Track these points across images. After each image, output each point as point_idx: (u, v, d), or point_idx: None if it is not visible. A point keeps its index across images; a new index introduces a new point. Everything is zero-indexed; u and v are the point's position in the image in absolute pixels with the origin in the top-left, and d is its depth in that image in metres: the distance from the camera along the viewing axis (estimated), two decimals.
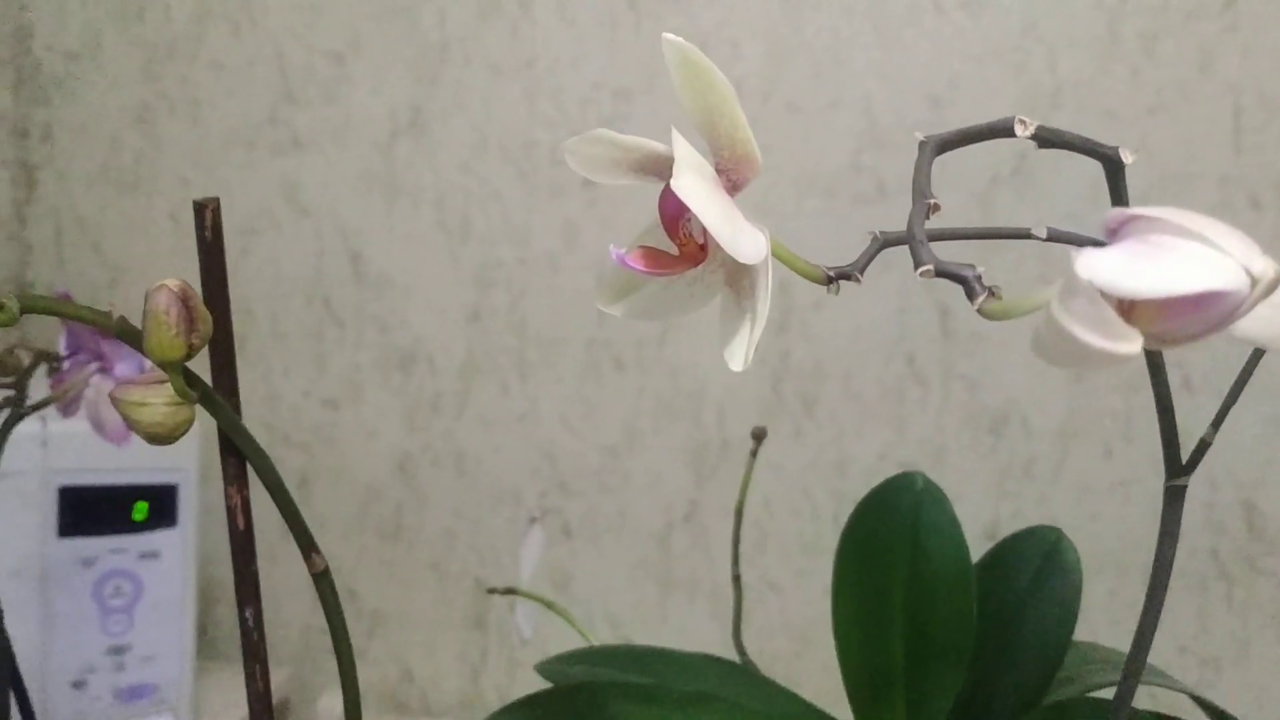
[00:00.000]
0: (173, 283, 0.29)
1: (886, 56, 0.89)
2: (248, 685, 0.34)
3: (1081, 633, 0.90)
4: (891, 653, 0.40)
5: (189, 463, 0.75)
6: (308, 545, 0.34)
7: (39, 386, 0.47)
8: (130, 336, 0.30)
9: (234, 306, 1.05)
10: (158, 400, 0.30)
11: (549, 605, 0.63)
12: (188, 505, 0.75)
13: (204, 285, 0.33)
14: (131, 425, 0.30)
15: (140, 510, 0.73)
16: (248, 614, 0.34)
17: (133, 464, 0.72)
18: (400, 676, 1.00)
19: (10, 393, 0.40)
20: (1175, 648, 0.90)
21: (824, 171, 0.90)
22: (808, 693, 0.89)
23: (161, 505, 0.73)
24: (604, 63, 0.92)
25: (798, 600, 0.94)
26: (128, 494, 0.72)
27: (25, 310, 0.27)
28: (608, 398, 0.95)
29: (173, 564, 0.74)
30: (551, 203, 0.94)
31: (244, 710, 0.89)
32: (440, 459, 0.97)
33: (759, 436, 0.64)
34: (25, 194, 1.03)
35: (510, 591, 0.65)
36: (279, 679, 0.96)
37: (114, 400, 0.30)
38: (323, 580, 0.33)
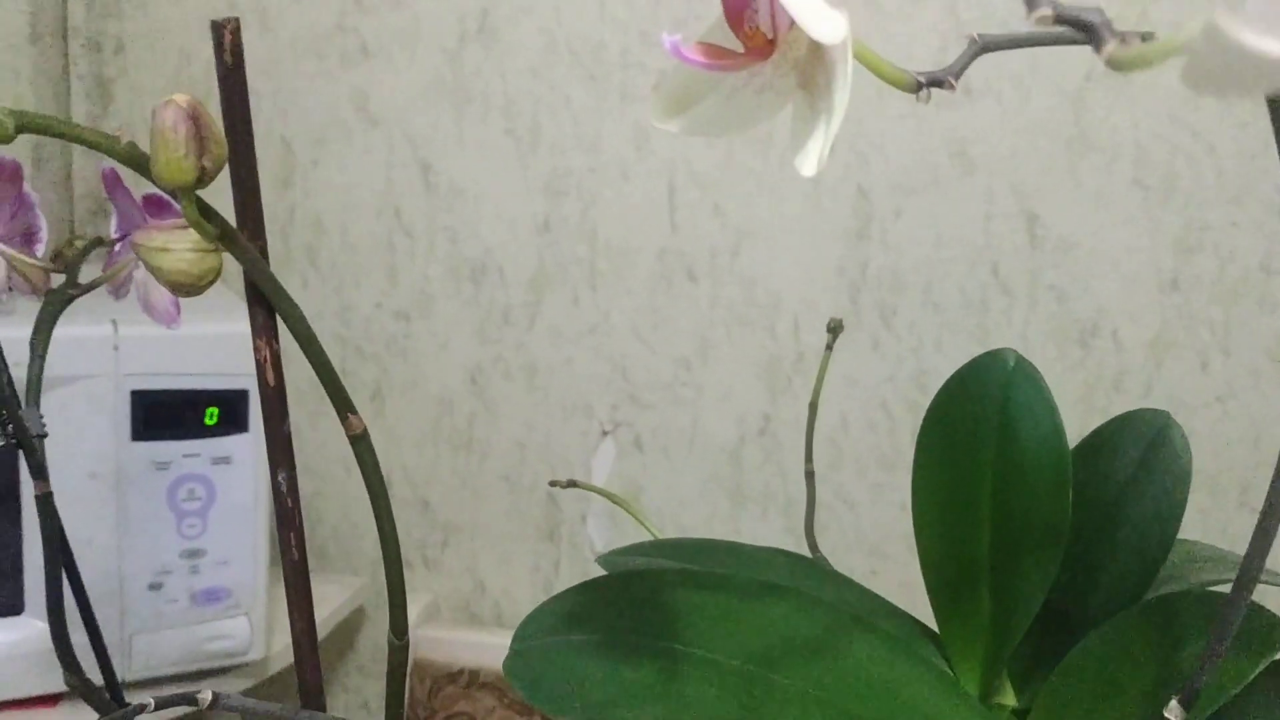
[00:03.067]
0: (180, 98, 0.27)
1: None
2: (283, 555, 0.33)
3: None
4: (977, 543, 0.37)
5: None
6: (344, 406, 0.32)
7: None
8: (139, 163, 0.28)
9: (305, 218, 1.05)
10: (181, 246, 0.28)
11: (614, 500, 0.61)
12: (259, 411, 0.75)
13: (225, 114, 0.31)
14: (154, 274, 0.29)
15: (212, 415, 0.73)
16: (281, 478, 0.32)
17: (204, 369, 0.72)
18: (473, 588, 1.00)
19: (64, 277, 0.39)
20: None
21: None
22: None
23: (233, 410, 0.73)
24: None
25: (873, 516, 0.92)
26: (199, 398, 0.72)
27: (20, 129, 0.26)
28: (680, 309, 0.93)
29: (244, 469, 0.75)
30: (622, 108, 0.92)
31: (319, 616, 0.90)
32: (511, 370, 0.97)
33: (835, 329, 0.61)
34: (100, 108, 1.03)
35: (572, 484, 0.63)
36: (355, 588, 0.98)
37: (135, 248, 0.28)
38: (360, 443, 0.32)
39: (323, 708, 0.30)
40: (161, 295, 0.36)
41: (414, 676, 0.96)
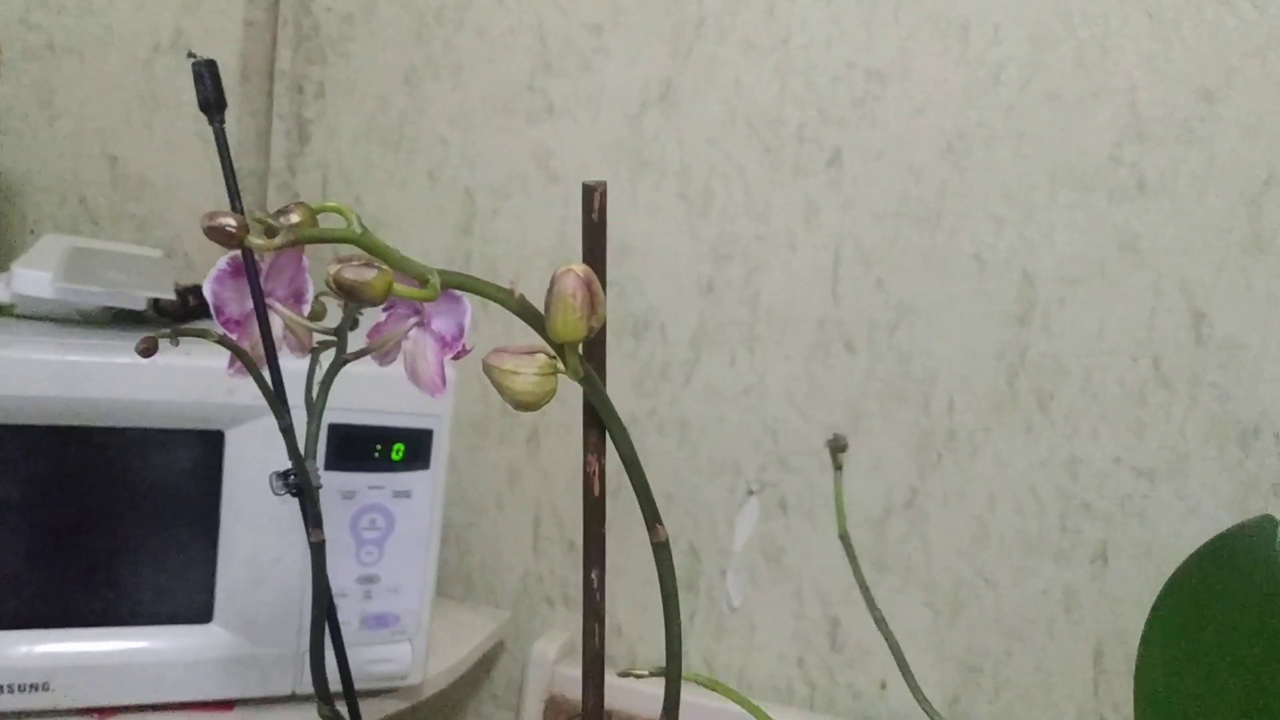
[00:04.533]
0: (579, 268, 0.31)
1: (1158, 47, 0.85)
2: (584, 641, 0.37)
3: None
4: None
5: (445, 411, 0.79)
6: (653, 517, 0.36)
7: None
8: (530, 317, 0.32)
9: (480, 265, 1.11)
10: (529, 370, 0.33)
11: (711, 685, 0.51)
12: (440, 450, 0.80)
13: (586, 264, 0.35)
14: (501, 391, 0.32)
15: (399, 451, 0.78)
16: (593, 575, 0.36)
17: (396, 407, 0.77)
18: (611, 630, 1.03)
19: (332, 339, 0.44)
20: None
21: (1081, 164, 0.88)
22: (1017, 692, 0.89)
23: (418, 447, 0.78)
24: (859, 42, 0.92)
25: (1013, 598, 0.92)
26: (389, 435, 0.77)
27: (445, 285, 0.30)
28: (835, 378, 0.95)
29: (422, 503, 0.79)
30: (794, 181, 0.95)
31: (468, 645, 0.94)
32: (665, 424, 1.00)
33: (838, 448, 0.55)
34: (298, 147, 1.10)
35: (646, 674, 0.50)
36: (500, 621, 1.02)
37: (487, 368, 0.32)
38: (662, 550, 0.36)
39: None
40: (429, 368, 0.40)
41: (548, 712, 1.00)
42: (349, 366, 0.80)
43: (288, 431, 0.43)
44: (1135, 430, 0.89)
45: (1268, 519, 0.27)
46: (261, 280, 0.43)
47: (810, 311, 0.95)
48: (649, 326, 0.99)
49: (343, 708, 0.81)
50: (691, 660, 1.01)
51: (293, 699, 0.79)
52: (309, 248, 0.50)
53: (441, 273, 0.30)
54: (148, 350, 0.38)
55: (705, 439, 0.99)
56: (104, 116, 1.07)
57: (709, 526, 1.00)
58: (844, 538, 0.41)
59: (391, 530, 0.79)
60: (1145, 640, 0.31)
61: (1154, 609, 0.32)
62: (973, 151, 0.90)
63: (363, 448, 0.77)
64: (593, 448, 0.36)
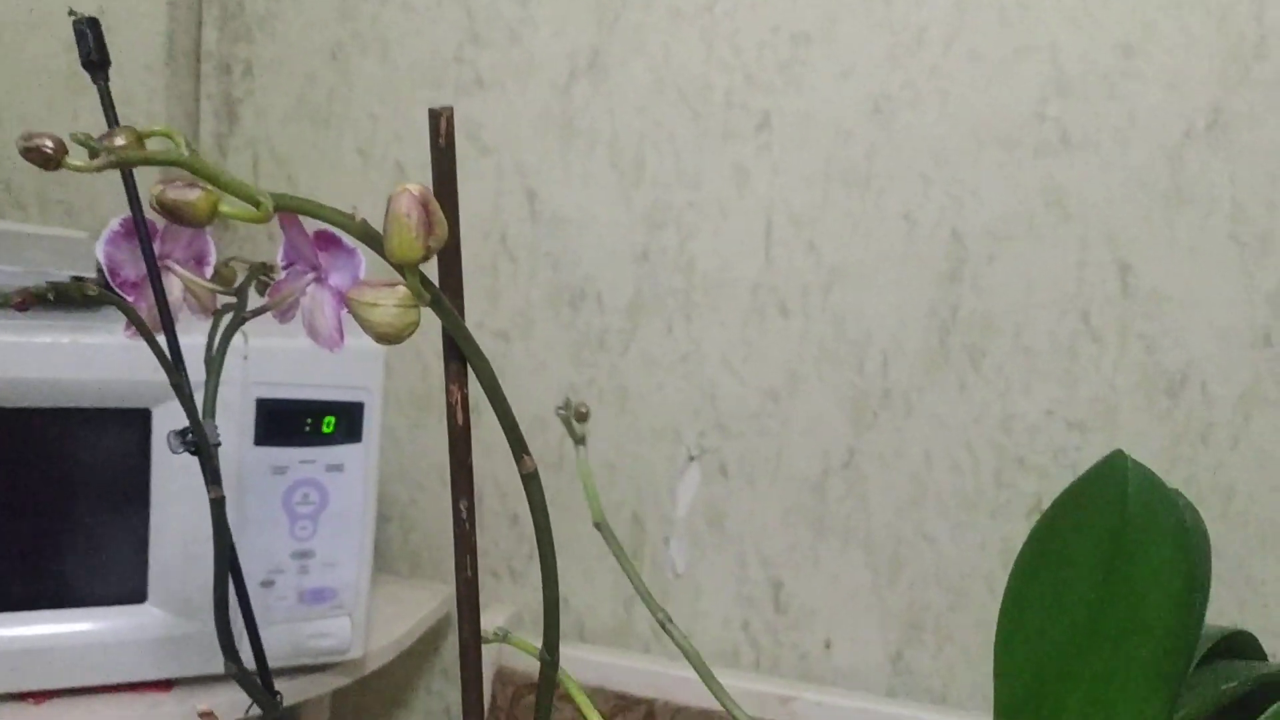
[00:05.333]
0: (414, 187, 0.31)
1: (1077, 3, 0.86)
2: (457, 573, 0.37)
3: (1254, 610, 0.87)
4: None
5: (375, 383, 0.79)
6: (520, 448, 0.36)
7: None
8: (371, 239, 0.32)
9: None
10: (389, 302, 0.32)
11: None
12: (372, 423, 0.79)
13: (436, 191, 0.35)
14: (363, 324, 0.32)
15: (329, 424, 0.77)
16: (462, 506, 0.36)
17: (325, 380, 0.76)
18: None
19: (232, 300, 0.43)
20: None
21: (1006, 121, 0.89)
22: (959, 647, 0.91)
23: (350, 421, 0.78)
24: (784, 6, 0.92)
25: (952, 554, 0.93)
26: (319, 408, 0.77)
27: (278, 208, 0.30)
28: (771, 342, 0.96)
29: (356, 477, 0.79)
30: (724, 146, 0.95)
31: (412, 620, 0.94)
32: (604, 394, 1.00)
33: (579, 416, 0.44)
34: (227, 127, 1.09)
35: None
36: (444, 595, 1.01)
37: (349, 301, 0.32)
38: (532, 481, 0.35)
39: (482, 707, 0.33)
40: (327, 323, 0.40)
41: (497, 683, 1.00)
42: (277, 341, 0.79)
43: (178, 388, 0.42)
44: (1066, 384, 0.90)
45: (1118, 454, 0.28)
46: (156, 242, 0.43)
47: (744, 276, 0.96)
48: (585, 296, 0.99)
49: (290, 683, 0.81)
50: (638, 627, 1.02)
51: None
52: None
53: (275, 195, 0.30)
54: (23, 304, 0.37)
55: (645, 407, 0.99)
56: (26, 102, 1.05)
57: (651, 494, 1.00)
58: (601, 526, 0.38)
59: (325, 504, 0.78)
60: (1009, 580, 0.31)
61: (1021, 549, 0.31)
62: (899, 112, 0.91)
63: (292, 422, 0.76)
64: (454, 376, 0.36)
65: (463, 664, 0.37)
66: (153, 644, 0.76)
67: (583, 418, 0.39)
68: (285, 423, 0.76)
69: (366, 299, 0.32)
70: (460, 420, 0.36)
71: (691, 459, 0.99)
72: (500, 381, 1.08)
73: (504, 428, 0.36)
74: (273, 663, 0.81)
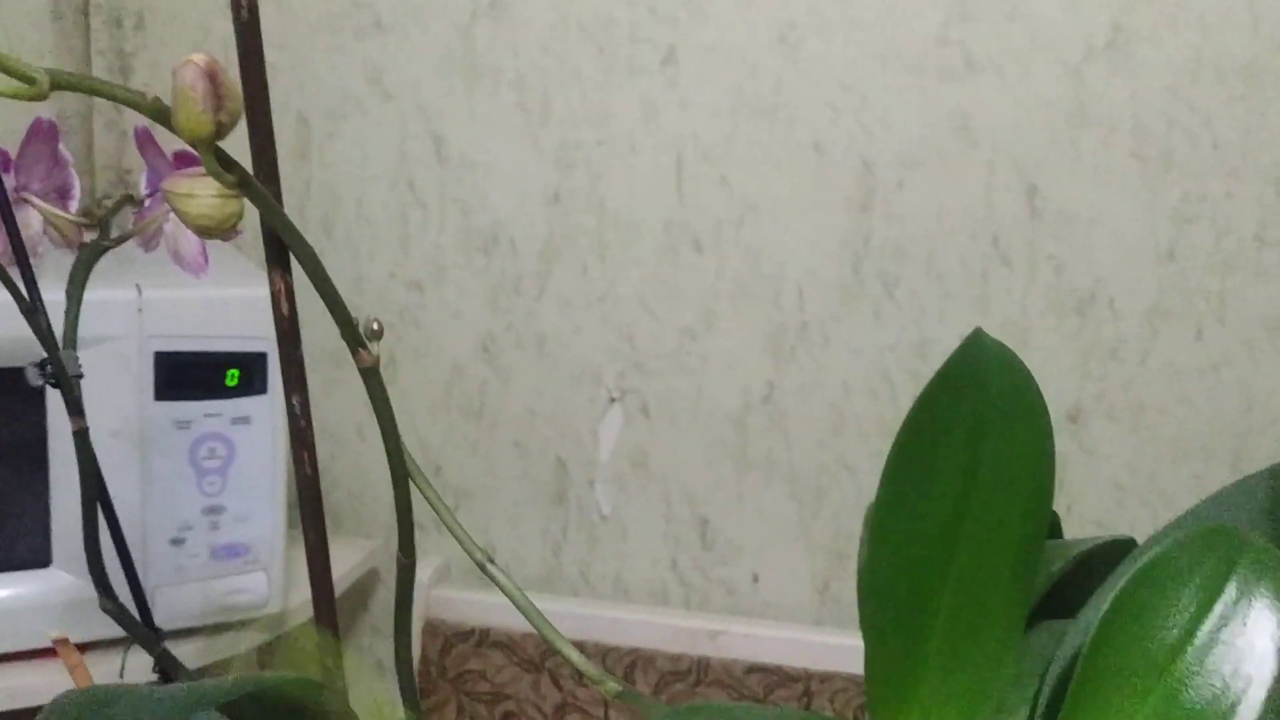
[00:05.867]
0: (199, 57, 0.29)
1: None
2: (296, 471, 0.35)
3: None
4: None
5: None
6: (355, 341, 0.34)
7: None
8: (163, 117, 0.30)
9: (321, 191, 1.08)
10: (205, 192, 0.31)
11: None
12: (277, 373, 0.77)
13: (242, 67, 0.33)
14: (182, 217, 0.31)
15: (232, 377, 0.75)
16: (295, 401, 0.34)
17: (225, 331, 0.74)
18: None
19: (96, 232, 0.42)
20: None
21: (910, 46, 0.88)
22: None
23: (253, 372, 0.76)
24: None
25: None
26: (220, 360, 0.75)
27: (55, 86, 0.28)
28: (686, 279, 0.95)
29: (263, 429, 0.77)
30: (630, 82, 0.93)
31: (334, 575, 0.92)
32: (522, 339, 0.99)
33: (372, 334, 0.42)
34: (121, 80, 1.05)
35: None
36: (370, 549, 1.00)
37: (164, 194, 0.31)
38: (371, 377, 0.34)
39: (334, 613, 0.32)
40: (190, 246, 0.38)
41: (426, 635, 0.99)
42: (173, 292, 0.77)
43: (30, 315, 0.41)
44: (979, 307, 0.91)
45: (978, 333, 0.27)
46: (11, 173, 0.41)
47: (656, 214, 0.95)
48: (498, 241, 0.98)
49: (209, 641, 0.80)
50: (566, 571, 1.01)
51: (164, 656, 0.77)
52: (96, 154, 0.47)
53: (51, 72, 0.28)
54: None
55: (563, 350, 0.98)
56: None
57: (574, 438, 0.99)
58: (392, 452, 0.36)
59: (233, 459, 0.77)
60: (878, 490, 0.31)
61: (887, 456, 0.31)
62: (805, 41, 0.90)
63: (194, 375, 0.74)
64: (274, 263, 0.34)
65: (311, 567, 0.36)
66: (60, 609, 0.74)
67: (375, 335, 0.37)
68: (186, 376, 0.74)
69: (181, 189, 0.31)
70: (286, 310, 0.34)
71: (613, 401, 0.98)
72: (415, 331, 1.06)
73: (337, 322, 0.35)
74: (189, 621, 0.80)
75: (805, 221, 0.92)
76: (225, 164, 0.31)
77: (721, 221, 0.94)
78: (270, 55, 1.06)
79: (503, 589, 0.27)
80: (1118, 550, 0.28)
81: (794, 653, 0.93)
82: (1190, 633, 0.26)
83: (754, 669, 0.92)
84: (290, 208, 1.00)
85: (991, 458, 0.25)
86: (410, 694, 0.39)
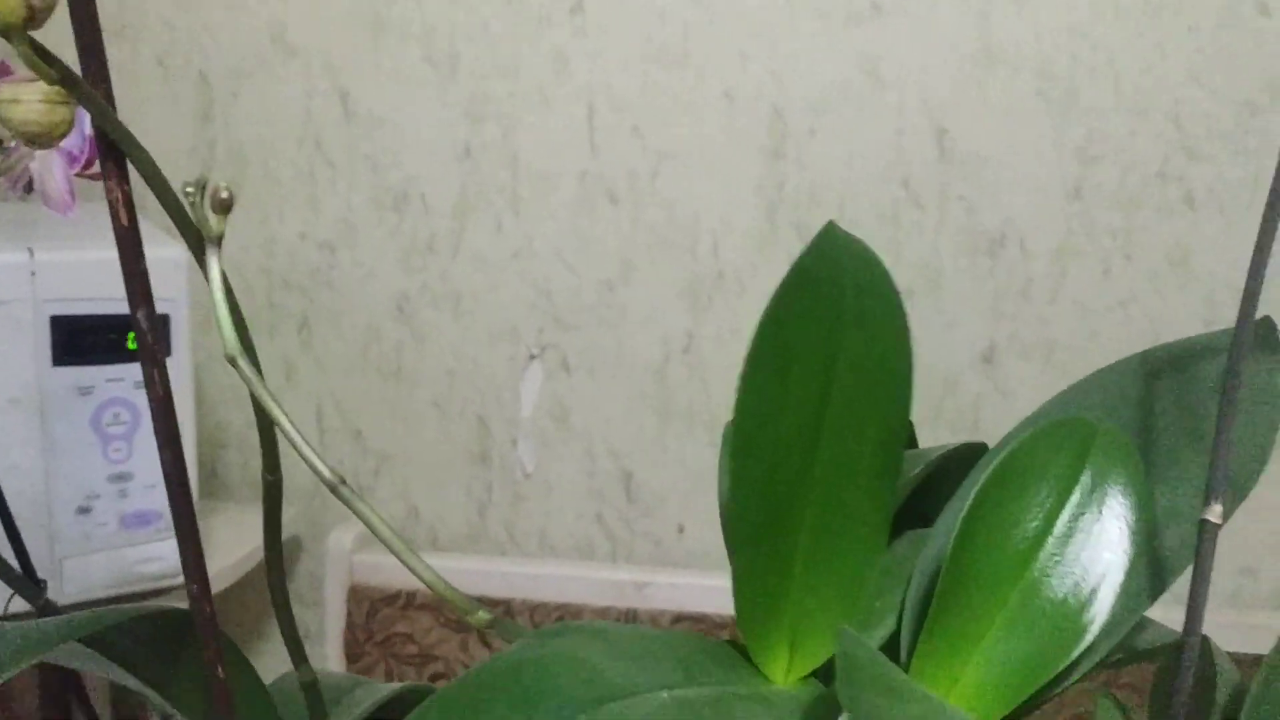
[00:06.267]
0: None
1: None
2: (148, 389, 0.34)
3: None
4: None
5: (179, 293, 0.75)
6: (198, 243, 0.33)
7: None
8: None
9: (227, 152, 1.05)
10: (30, 97, 0.29)
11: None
12: (180, 335, 0.76)
13: None
14: (6, 125, 0.30)
15: (134, 340, 0.73)
16: (140, 315, 0.33)
17: (124, 293, 0.72)
18: (408, 513, 1.02)
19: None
20: None
21: None
22: None
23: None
24: None
25: None
26: (121, 323, 0.73)
27: None
28: (602, 231, 0.94)
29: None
30: (540, 32, 0.92)
31: (251, 544, 0.91)
32: (438, 298, 0.98)
33: (221, 205, 0.41)
34: None
35: None
36: (288, 516, 0.99)
37: None
38: (216, 250, 0.32)
39: (198, 545, 0.31)
40: (56, 184, 0.37)
41: (352, 601, 0.98)
42: (67, 254, 0.75)
43: None
44: (892, 251, 0.91)
45: (830, 227, 0.26)
46: None
47: (570, 166, 0.94)
48: (409, 199, 0.96)
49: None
50: (492, 530, 1.01)
51: (48, 609, 0.75)
52: None
53: None
54: None
55: (480, 308, 0.97)
56: None
57: (494, 396, 0.99)
58: (233, 361, 0.34)
59: (139, 424, 0.75)
60: (735, 400, 0.28)
61: (745, 360, 0.29)
62: None
63: (93, 339, 0.72)
64: (111, 173, 0.33)
65: (170, 495, 0.35)
66: None
67: (224, 206, 0.34)
68: (85, 340, 0.72)
69: (5, 96, 0.29)
70: (125, 220, 0.33)
71: (532, 357, 0.98)
72: (329, 292, 1.04)
73: (175, 221, 0.33)
74: (99, 591, 0.78)
75: (719, 170, 0.92)
76: (46, 59, 0.29)
77: (636, 172, 0.93)
78: (168, 13, 1.03)
79: (360, 516, 0.27)
80: (973, 454, 0.28)
81: (721, 601, 0.93)
82: (1049, 524, 0.26)
83: (681, 618, 0.93)
84: (196, 169, 0.98)
85: (849, 356, 0.25)
86: (287, 617, 0.38)
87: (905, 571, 0.27)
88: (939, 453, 0.30)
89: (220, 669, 0.32)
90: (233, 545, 0.91)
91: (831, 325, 0.25)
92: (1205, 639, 0.28)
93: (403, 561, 0.28)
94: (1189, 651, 0.23)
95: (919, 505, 0.29)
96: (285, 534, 0.98)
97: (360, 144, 0.96)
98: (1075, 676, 0.24)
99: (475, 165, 0.95)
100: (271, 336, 1.01)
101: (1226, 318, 0.88)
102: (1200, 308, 0.88)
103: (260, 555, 0.93)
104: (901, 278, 0.91)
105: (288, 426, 0.30)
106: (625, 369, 0.96)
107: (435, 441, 1.00)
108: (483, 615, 0.28)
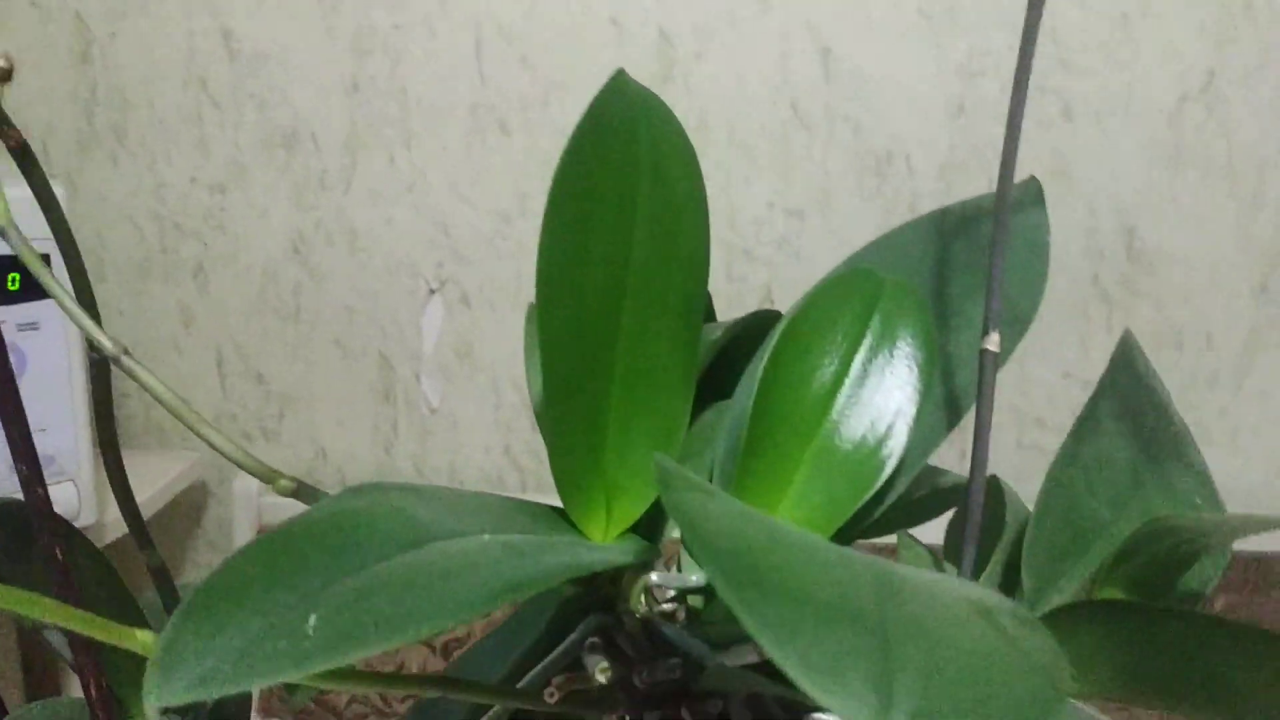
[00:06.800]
0: None
1: None
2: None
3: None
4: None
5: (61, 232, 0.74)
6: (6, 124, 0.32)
7: None
8: None
9: (109, 95, 1.02)
10: None
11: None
12: (64, 275, 0.75)
13: None
14: None
15: (14, 280, 0.72)
16: None
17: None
18: (315, 455, 1.02)
19: None
20: (1059, 373, 0.94)
21: None
22: None
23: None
24: None
25: None
26: (1, 264, 0.72)
27: None
28: (496, 163, 0.94)
29: (53, 335, 0.74)
30: None
31: (153, 486, 0.90)
32: (333, 236, 0.97)
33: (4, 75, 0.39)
34: None
35: None
36: (191, 462, 0.98)
37: None
38: (27, 158, 0.32)
39: (25, 425, 0.31)
40: None
41: None
42: None
43: None
44: (783, 174, 0.93)
45: (620, 75, 0.25)
46: None
47: (461, 98, 0.94)
48: (298, 136, 0.95)
49: None
50: (400, 467, 1.01)
51: None
52: None
53: None
54: None
55: (377, 244, 0.97)
56: None
57: (396, 333, 0.99)
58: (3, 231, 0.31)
59: (24, 367, 0.74)
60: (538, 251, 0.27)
61: (544, 214, 0.27)
62: None
63: None
64: None
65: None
66: None
67: (3, 75, 0.31)
68: None
69: None
70: None
71: (432, 292, 0.98)
72: (222, 235, 1.02)
73: None
74: None
75: None
76: None
77: (527, 101, 0.93)
78: None
79: (146, 386, 0.27)
80: (769, 321, 0.29)
81: None
82: (845, 368, 0.27)
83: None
84: (77, 114, 0.96)
85: (649, 206, 0.25)
86: (125, 497, 0.38)
87: (712, 438, 0.28)
88: (739, 322, 0.31)
89: (58, 552, 0.32)
90: (136, 490, 0.90)
91: (629, 174, 0.25)
92: (994, 477, 0.30)
93: (195, 431, 0.28)
94: (977, 469, 0.25)
95: (720, 383, 0.30)
96: (193, 479, 0.98)
97: (246, 82, 0.95)
98: (881, 509, 0.26)
99: (364, 99, 0.94)
100: (166, 282, 1.00)
101: (1107, 226, 0.91)
102: (1082, 217, 0.91)
103: (162, 501, 0.92)
104: (793, 199, 0.92)
105: (60, 295, 0.30)
106: (525, 302, 0.97)
107: (339, 381, 1.00)
108: (285, 483, 0.28)
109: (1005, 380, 0.93)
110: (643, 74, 0.91)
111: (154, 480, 0.92)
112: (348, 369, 1.00)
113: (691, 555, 0.27)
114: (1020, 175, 0.86)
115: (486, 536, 0.24)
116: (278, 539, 0.22)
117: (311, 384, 1.00)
